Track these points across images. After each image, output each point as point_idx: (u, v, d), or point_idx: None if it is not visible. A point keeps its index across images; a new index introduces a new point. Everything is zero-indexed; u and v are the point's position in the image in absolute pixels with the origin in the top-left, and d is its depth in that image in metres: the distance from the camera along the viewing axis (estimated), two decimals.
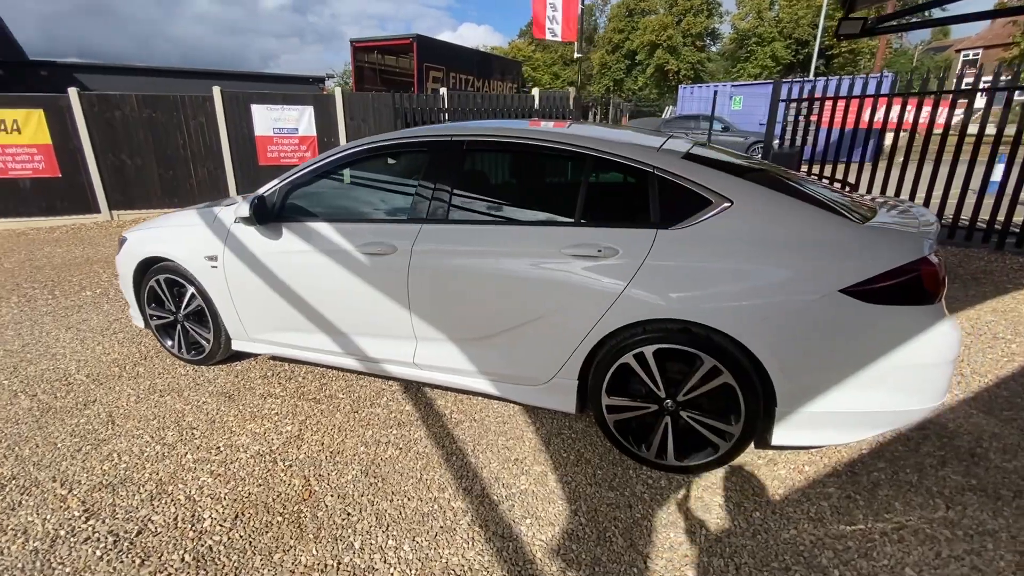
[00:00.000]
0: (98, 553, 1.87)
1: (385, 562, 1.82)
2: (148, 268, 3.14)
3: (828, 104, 6.74)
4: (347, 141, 9.28)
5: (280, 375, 3.14)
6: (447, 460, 2.36)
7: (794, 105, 7.32)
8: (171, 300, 3.14)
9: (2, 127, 7.56)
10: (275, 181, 2.79)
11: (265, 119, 8.85)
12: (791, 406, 1.98)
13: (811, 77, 20.53)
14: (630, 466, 2.29)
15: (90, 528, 1.98)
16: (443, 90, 9.73)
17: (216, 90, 8.49)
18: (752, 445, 2.26)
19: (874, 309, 1.83)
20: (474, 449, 2.43)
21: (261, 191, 2.78)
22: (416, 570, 1.79)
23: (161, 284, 3.11)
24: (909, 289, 1.83)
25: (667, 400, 2.13)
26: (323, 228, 2.63)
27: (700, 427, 2.12)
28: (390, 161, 2.85)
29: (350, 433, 2.57)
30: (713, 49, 53.51)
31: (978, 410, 2.66)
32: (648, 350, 2.08)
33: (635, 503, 2.08)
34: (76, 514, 2.05)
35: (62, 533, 1.95)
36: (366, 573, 1.78)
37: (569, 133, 2.38)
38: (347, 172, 2.78)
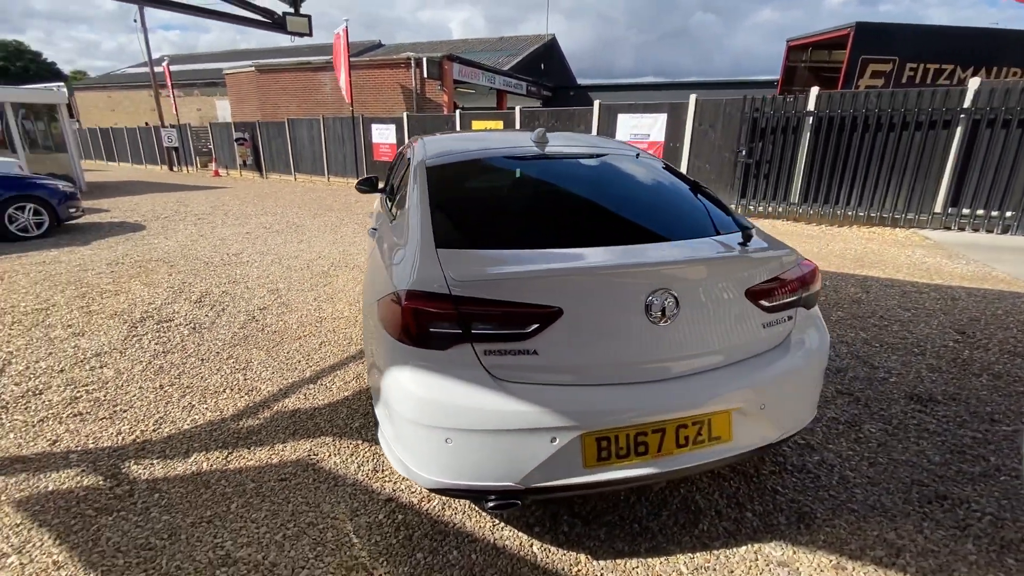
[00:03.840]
0: (241, 320, 4.22)
1: (261, 379, 3.30)
2: None
3: None
4: (691, 147, 9.53)
5: None
6: (352, 360, 3.49)
7: None
8: None
9: (485, 131, 12.35)
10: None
11: (626, 125, 10.30)
12: None
13: None
14: None
15: (260, 315, 4.39)
16: (814, 90, 8.26)
17: (596, 103, 10.57)
18: None
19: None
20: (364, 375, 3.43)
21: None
22: (250, 387, 3.19)
23: None
24: (396, 317, 1.61)
25: None
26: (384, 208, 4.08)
27: None
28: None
29: (358, 329, 4.04)
30: None
31: None
32: None
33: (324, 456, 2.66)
34: (262, 304, 4.53)
35: (251, 312, 4.45)
36: (249, 369, 3.32)
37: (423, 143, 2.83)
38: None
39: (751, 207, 9.02)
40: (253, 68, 18.50)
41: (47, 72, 58.97)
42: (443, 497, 2.10)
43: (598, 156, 2.50)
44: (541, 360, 1.54)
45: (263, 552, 1.84)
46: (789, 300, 1.78)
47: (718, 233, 1.92)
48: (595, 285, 1.57)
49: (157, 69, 21.07)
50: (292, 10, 5.21)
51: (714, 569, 1.77)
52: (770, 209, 8.84)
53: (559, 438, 1.51)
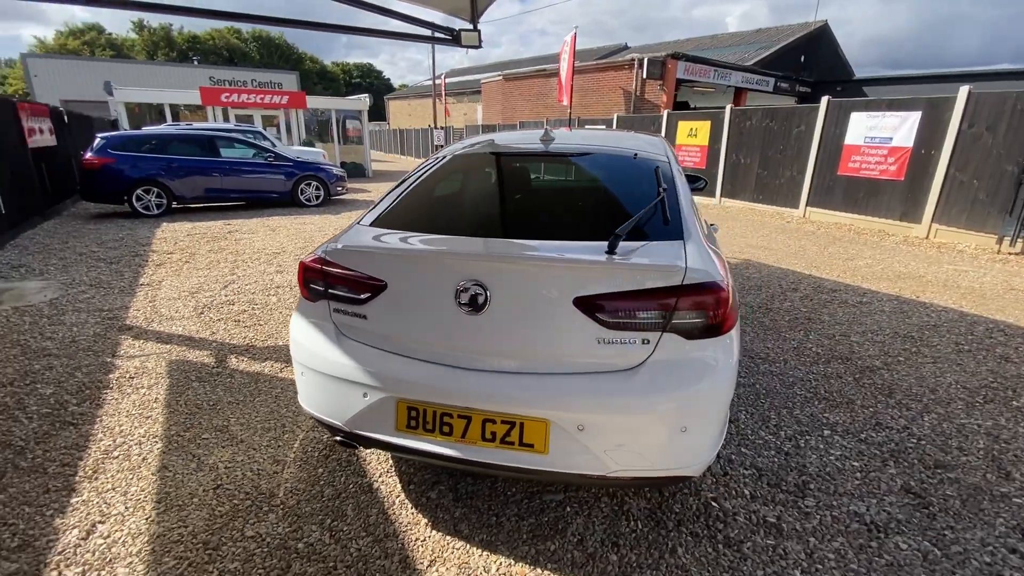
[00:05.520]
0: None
1: None
2: None
3: None
4: (952, 155, 7.21)
5: None
6: None
7: None
8: None
9: (690, 132, 11.59)
10: None
11: (860, 127, 8.38)
12: None
13: None
14: None
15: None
16: None
17: (824, 100, 8.85)
18: None
19: None
20: None
21: None
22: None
23: None
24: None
25: None
26: None
27: None
28: None
29: None
30: None
31: None
32: None
33: None
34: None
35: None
36: None
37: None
38: None
39: None
40: (501, 77, 21.20)
41: (384, 87, 77.91)
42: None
43: (585, 155, 2.42)
44: (369, 325, 1.76)
45: (244, 431, 2.53)
46: (642, 321, 1.53)
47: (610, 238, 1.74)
48: (411, 266, 1.70)
49: (438, 82, 25.99)
50: (470, 27, 6.06)
51: None
52: None
53: (370, 395, 1.71)
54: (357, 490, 2.12)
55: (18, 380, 2.97)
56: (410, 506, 2.04)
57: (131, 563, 1.74)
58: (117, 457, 2.32)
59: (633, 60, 15.29)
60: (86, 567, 1.72)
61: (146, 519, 1.94)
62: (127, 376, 3.07)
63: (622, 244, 1.70)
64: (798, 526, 1.95)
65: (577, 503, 2.05)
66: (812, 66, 20.79)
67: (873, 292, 4.92)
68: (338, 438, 1.90)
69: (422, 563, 1.77)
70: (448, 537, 1.88)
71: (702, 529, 1.93)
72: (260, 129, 12.98)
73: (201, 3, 4.66)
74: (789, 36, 19.95)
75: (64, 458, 2.30)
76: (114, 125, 14.80)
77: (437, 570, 1.74)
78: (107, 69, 23.70)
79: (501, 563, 1.77)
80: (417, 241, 1.83)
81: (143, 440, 2.45)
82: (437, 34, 5.89)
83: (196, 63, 36.92)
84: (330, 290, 1.84)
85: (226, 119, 15.87)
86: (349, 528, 1.92)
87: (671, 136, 12.09)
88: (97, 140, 8.44)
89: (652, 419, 1.54)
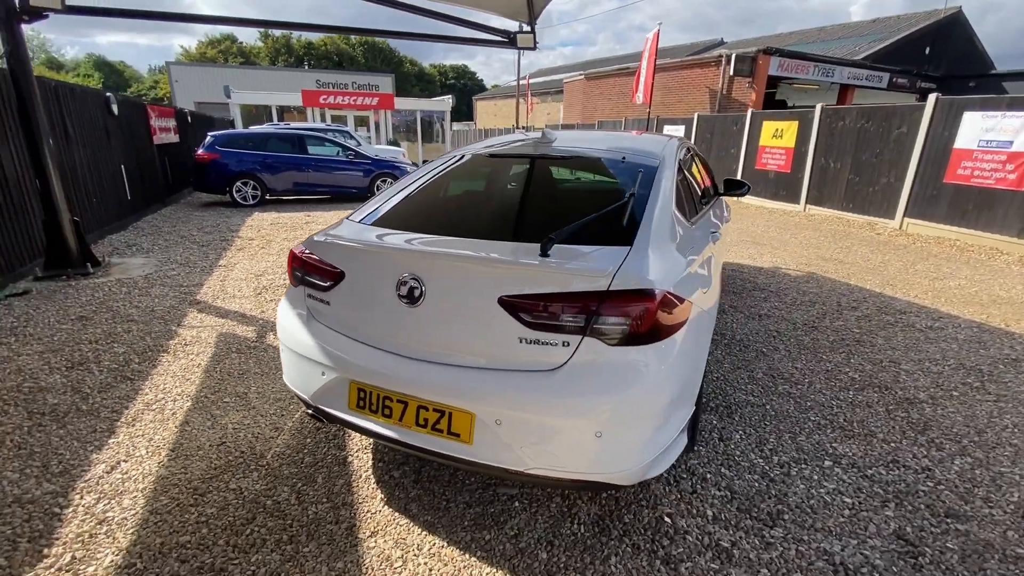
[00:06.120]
0: None
1: None
2: None
3: None
4: None
5: None
6: None
7: None
8: None
9: (775, 133, 10.77)
10: None
11: (973, 129, 7.33)
12: None
13: None
14: None
15: None
16: None
17: (931, 97, 7.85)
18: None
19: None
20: None
21: None
22: None
23: None
24: None
25: None
26: None
27: None
28: None
29: None
30: None
31: None
32: None
33: None
34: None
35: None
36: None
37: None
38: None
39: None
40: (583, 76, 21.02)
41: (476, 87, 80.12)
42: None
43: (572, 158, 2.42)
44: (331, 310, 1.93)
45: (258, 399, 2.85)
46: (562, 323, 1.54)
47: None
48: (363, 258, 1.83)
49: (522, 82, 26.38)
50: (528, 29, 6.14)
51: (441, 562, 1.78)
52: None
53: (327, 374, 1.88)
54: (332, 461, 2.32)
55: (102, 339, 3.56)
56: (373, 481, 2.20)
57: (135, 497, 2.07)
58: (154, 409, 2.72)
59: (720, 56, 14.48)
60: (101, 495, 2.07)
61: (158, 463, 2.28)
62: (183, 343, 3.56)
63: (567, 247, 1.73)
64: (753, 555, 1.85)
65: (528, 499, 2.09)
66: (940, 58, 18.35)
67: (951, 317, 4.33)
68: (309, 411, 2.10)
69: (364, 532, 1.92)
70: (396, 513, 2.02)
71: (645, 543, 1.89)
72: (348, 128, 14.04)
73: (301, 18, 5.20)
74: (911, 26, 17.74)
75: (115, 405, 2.74)
76: (232, 125, 16.76)
77: (375, 541, 1.88)
78: (232, 74, 26.80)
79: (435, 544, 1.87)
80: (377, 236, 1.97)
81: (178, 398, 2.85)
82: (494, 37, 6.06)
83: (307, 67, 40.54)
84: (306, 277, 2.04)
85: (323, 119, 17.34)
86: (314, 493, 2.12)
87: (754, 137, 11.32)
88: (208, 138, 9.65)
89: (563, 421, 1.55)
